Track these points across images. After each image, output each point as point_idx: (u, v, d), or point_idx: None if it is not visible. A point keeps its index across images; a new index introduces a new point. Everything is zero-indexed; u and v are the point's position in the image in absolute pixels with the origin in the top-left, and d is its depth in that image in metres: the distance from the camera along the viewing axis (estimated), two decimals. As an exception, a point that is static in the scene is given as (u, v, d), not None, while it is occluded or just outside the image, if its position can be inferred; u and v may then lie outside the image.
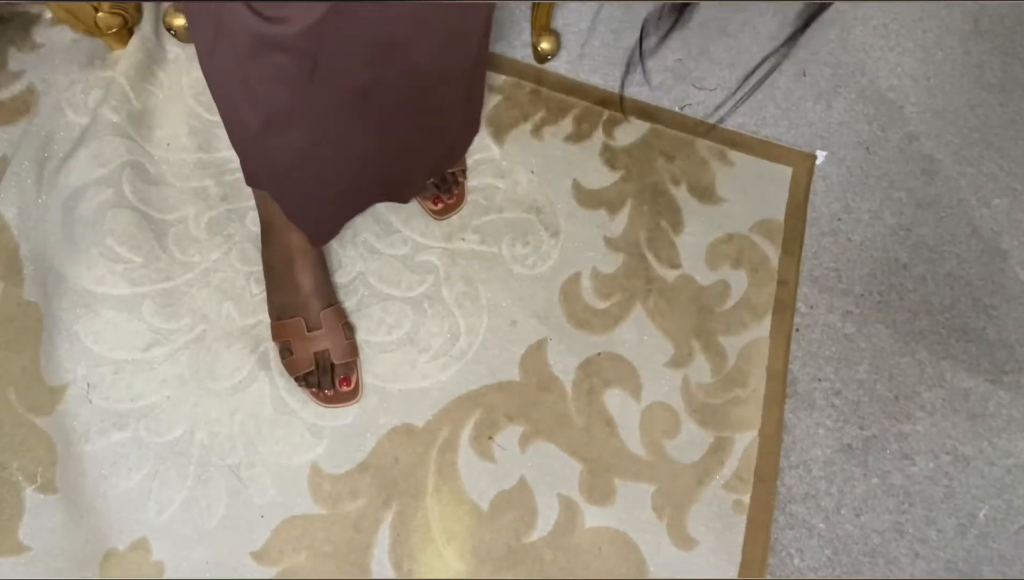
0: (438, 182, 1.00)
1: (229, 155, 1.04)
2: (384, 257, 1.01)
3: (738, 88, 1.13)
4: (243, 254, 1.00)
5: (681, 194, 1.09)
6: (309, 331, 0.91)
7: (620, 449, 0.95)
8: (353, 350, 0.94)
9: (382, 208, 1.04)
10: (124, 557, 0.86)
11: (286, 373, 0.94)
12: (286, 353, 0.92)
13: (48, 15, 1.11)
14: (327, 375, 0.91)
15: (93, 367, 0.92)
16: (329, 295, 0.95)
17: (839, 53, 1.23)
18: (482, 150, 1.08)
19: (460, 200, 1.04)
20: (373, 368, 0.96)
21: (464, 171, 1.04)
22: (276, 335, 0.94)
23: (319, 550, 0.88)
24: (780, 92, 1.19)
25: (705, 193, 1.10)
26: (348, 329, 0.94)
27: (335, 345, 0.92)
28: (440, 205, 1.02)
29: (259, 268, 0.99)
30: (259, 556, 0.87)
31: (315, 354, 0.91)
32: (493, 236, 1.04)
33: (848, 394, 1.02)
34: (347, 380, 0.92)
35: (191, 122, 1.06)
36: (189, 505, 0.88)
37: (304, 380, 0.92)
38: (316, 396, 0.93)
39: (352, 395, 0.93)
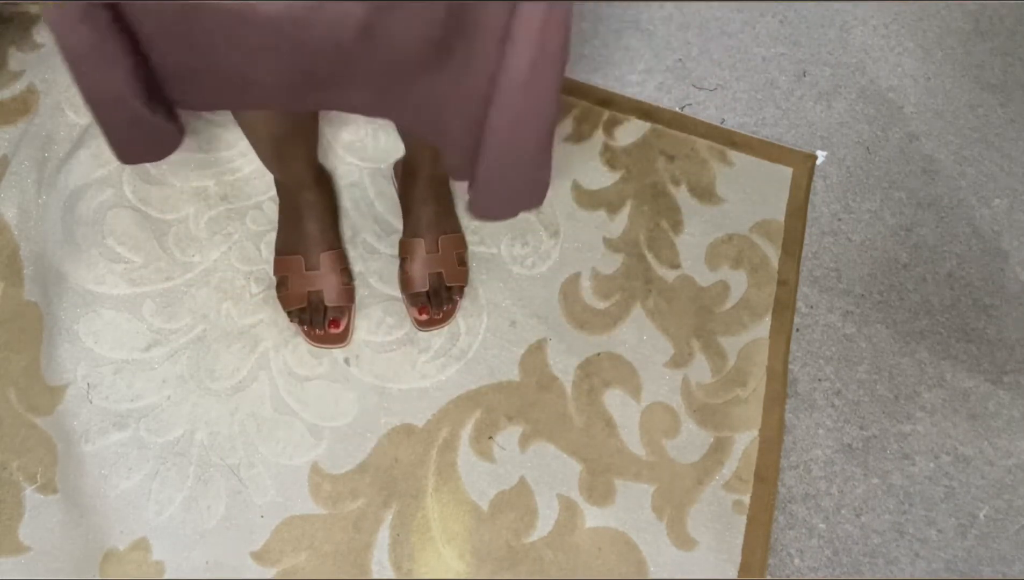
0: (431, 292, 0.96)
1: (229, 155, 1.04)
2: (384, 257, 1.01)
3: None
4: (243, 254, 1.00)
5: (681, 194, 1.09)
6: (307, 270, 0.94)
7: (620, 449, 0.95)
8: (348, 295, 0.96)
9: (381, 208, 1.04)
10: (124, 557, 0.86)
11: (286, 373, 0.94)
12: (282, 288, 0.95)
13: (48, 15, 1.11)
14: (318, 314, 0.93)
15: (93, 367, 0.93)
16: (332, 240, 0.97)
17: (839, 53, 1.23)
18: (482, 150, 1.08)
19: (448, 317, 0.98)
20: (373, 368, 0.96)
21: (463, 289, 0.99)
22: (276, 269, 0.96)
23: (319, 550, 0.88)
24: (780, 92, 1.19)
25: (705, 193, 1.10)
26: (347, 274, 0.96)
27: (329, 287, 0.94)
28: (425, 316, 0.97)
29: (259, 267, 0.99)
30: (259, 556, 0.87)
31: (309, 293, 0.93)
32: (492, 236, 1.04)
33: (848, 394, 1.02)
34: (336, 322, 0.94)
35: (191, 122, 1.06)
36: (189, 505, 0.88)
37: (296, 316, 0.94)
38: (306, 334, 0.95)
39: (340, 338, 0.95)
